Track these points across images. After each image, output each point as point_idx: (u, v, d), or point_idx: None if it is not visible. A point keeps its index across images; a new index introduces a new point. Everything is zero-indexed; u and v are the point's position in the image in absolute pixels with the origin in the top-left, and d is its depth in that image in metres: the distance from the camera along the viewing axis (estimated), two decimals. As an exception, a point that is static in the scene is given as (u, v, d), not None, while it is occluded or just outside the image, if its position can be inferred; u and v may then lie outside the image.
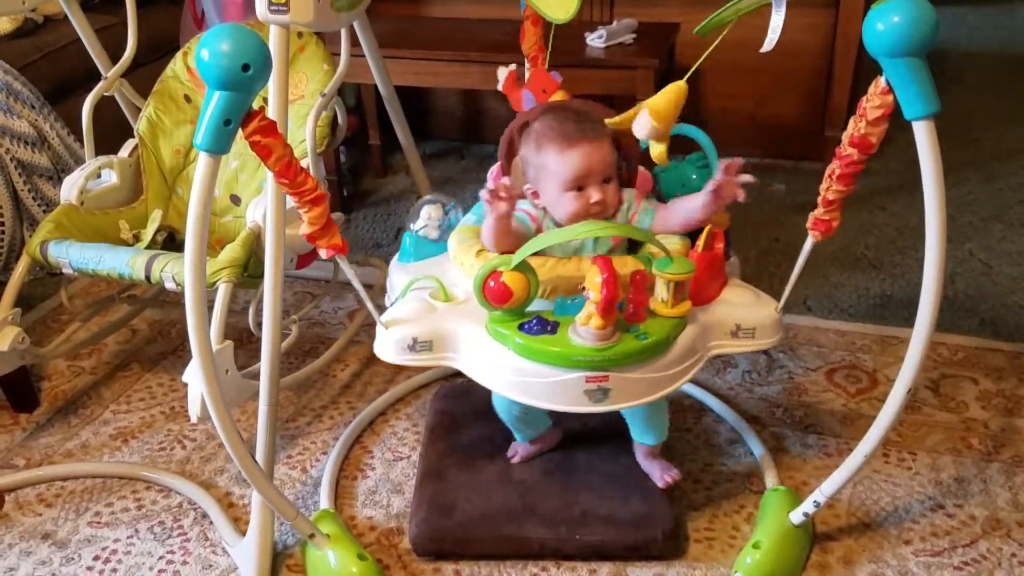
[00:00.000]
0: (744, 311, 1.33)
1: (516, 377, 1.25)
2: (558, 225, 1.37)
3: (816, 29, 2.71)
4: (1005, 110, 3.46)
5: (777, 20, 1.24)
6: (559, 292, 1.28)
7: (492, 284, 1.21)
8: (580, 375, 1.21)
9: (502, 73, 1.66)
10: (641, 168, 1.48)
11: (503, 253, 1.31)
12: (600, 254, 1.33)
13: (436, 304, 1.33)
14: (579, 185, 1.34)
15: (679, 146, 1.51)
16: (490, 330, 1.26)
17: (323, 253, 1.21)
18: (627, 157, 1.45)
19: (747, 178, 1.28)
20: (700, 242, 1.30)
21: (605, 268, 1.14)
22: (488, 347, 1.26)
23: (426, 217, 1.51)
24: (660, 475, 1.52)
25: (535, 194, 1.40)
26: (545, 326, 1.23)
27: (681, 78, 1.32)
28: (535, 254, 1.22)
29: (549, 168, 1.35)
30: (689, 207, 1.35)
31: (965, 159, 2.96)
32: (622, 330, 1.22)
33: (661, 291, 1.25)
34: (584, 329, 1.19)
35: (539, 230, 1.37)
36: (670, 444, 1.69)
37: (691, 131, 1.58)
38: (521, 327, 1.23)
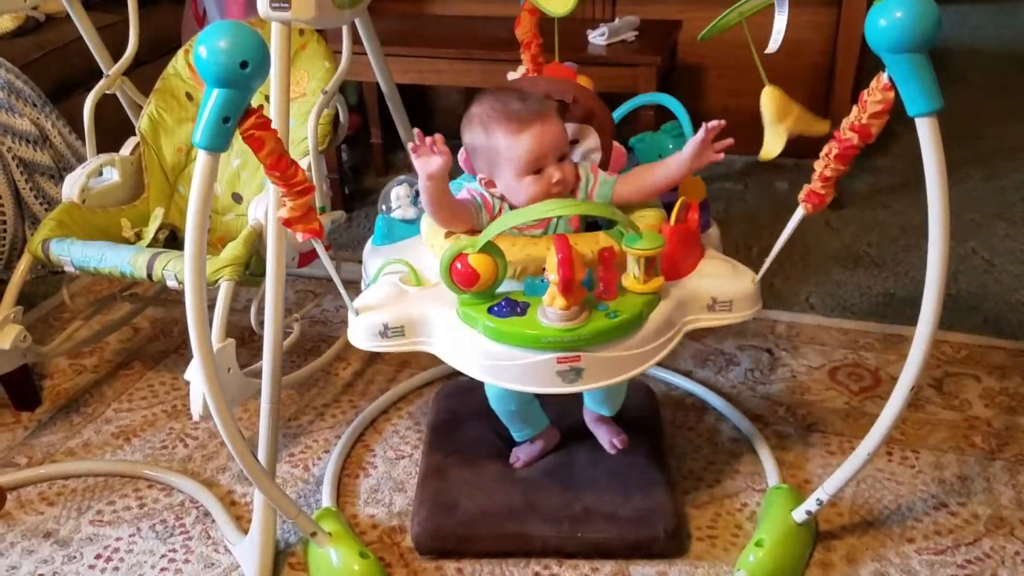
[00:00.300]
0: (720, 283, 1.31)
1: (488, 360, 1.24)
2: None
3: (819, 27, 2.71)
4: (1008, 108, 3.45)
5: (780, 21, 1.24)
6: (529, 272, 1.26)
7: (459, 267, 1.20)
8: (551, 356, 1.20)
9: (513, 77, 1.65)
10: (616, 143, 1.47)
11: (458, 228, 1.30)
12: (563, 232, 1.31)
13: (407, 288, 1.32)
14: (537, 168, 1.30)
15: (651, 116, 1.52)
16: (460, 313, 1.25)
17: (299, 237, 1.20)
18: (601, 132, 1.43)
19: (726, 143, 1.29)
20: (673, 215, 1.29)
21: (561, 248, 1.13)
22: (459, 331, 1.25)
23: (396, 198, 1.51)
24: (609, 440, 1.52)
25: (490, 183, 1.35)
26: (515, 308, 1.22)
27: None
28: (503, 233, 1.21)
29: (502, 154, 1.30)
30: (666, 172, 1.33)
31: (968, 157, 2.96)
32: (592, 309, 1.21)
33: (632, 267, 1.23)
34: (551, 310, 1.17)
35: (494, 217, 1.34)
36: (673, 442, 1.70)
37: (665, 100, 1.58)
38: (490, 310, 1.22)
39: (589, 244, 1.26)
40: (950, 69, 3.87)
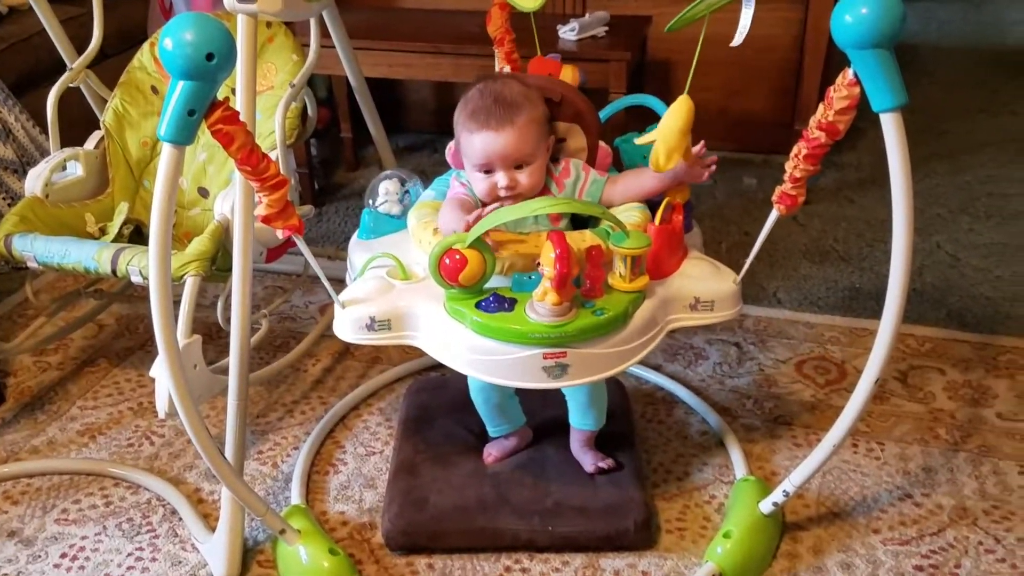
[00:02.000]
0: (703, 284, 1.33)
1: (474, 355, 1.25)
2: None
3: (786, 23, 2.73)
4: (974, 103, 3.49)
5: (746, 16, 1.24)
6: (517, 268, 1.27)
7: (447, 262, 1.21)
8: (537, 352, 1.21)
9: None
10: (602, 143, 1.48)
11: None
12: (540, 229, 1.33)
13: (394, 282, 1.33)
14: (485, 169, 1.33)
15: (638, 117, 1.52)
16: (448, 308, 1.26)
17: (279, 234, 1.20)
18: (588, 132, 1.44)
19: (712, 161, 1.34)
20: (658, 215, 1.31)
21: (559, 243, 1.14)
22: (446, 325, 1.26)
23: (383, 193, 1.51)
24: (593, 463, 1.52)
25: (460, 164, 1.39)
26: (502, 303, 1.23)
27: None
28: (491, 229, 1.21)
29: (462, 144, 1.35)
30: (654, 181, 1.35)
31: (934, 152, 2.99)
32: (579, 306, 1.22)
33: (619, 266, 1.25)
34: (540, 305, 1.19)
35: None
36: (643, 436, 1.71)
37: (649, 101, 1.58)
38: (478, 304, 1.23)
39: (576, 242, 1.26)
40: (917, 65, 3.91)
